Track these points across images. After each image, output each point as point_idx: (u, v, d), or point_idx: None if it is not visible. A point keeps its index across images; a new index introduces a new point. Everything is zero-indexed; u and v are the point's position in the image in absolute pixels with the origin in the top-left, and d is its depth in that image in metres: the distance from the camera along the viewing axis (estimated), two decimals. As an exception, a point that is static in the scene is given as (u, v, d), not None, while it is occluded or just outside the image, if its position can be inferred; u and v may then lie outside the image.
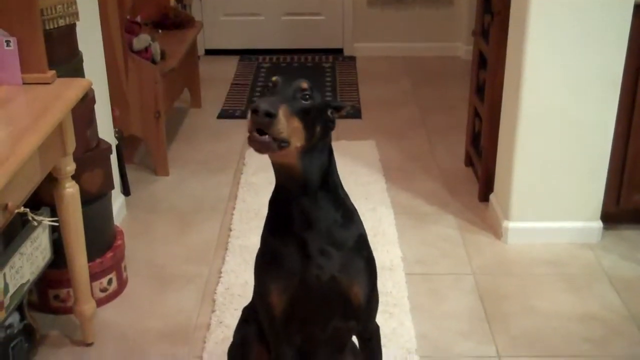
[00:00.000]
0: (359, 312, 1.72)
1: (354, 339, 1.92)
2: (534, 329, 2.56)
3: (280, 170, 1.60)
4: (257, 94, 4.93)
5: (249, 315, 1.99)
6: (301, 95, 1.51)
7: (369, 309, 1.76)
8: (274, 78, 1.55)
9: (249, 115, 1.46)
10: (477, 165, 3.53)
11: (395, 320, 2.56)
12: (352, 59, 5.73)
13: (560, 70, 2.82)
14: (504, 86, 3.10)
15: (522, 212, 3.05)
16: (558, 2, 2.72)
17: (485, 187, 3.38)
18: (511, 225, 3.07)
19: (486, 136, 3.34)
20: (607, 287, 2.80)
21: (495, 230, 3.18)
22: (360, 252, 1.70)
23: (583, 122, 2.89)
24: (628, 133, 2.96)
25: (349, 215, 1.69)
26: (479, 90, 3.53)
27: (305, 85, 1.52)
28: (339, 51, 5.84)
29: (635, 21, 2.75)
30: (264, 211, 1.74)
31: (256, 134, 1.44)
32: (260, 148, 1.46)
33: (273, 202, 1.69)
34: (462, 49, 5.64)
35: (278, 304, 1.66)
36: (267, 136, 1.44)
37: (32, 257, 2.12)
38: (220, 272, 2.87)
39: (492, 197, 3.30)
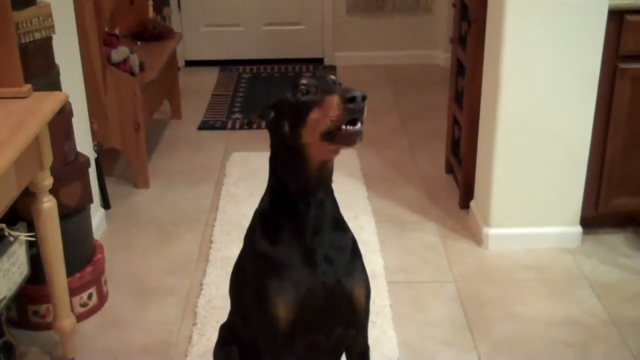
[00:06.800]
0: (360, 318, 1.70)
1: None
2: (516, 335, 2.57)
3: (316, 170, 1.54)
4: (238, 104, 4.93)
5: (226, 333, 1.97)
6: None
7: (367, 316, 1.75)
8: (303, 81, 1.51)
9: (337, 104, 1.41)
10: (458, 173, 3.55)
11: (378, 329, 2.56)
12: (333, 68, 5.73)
13: (537, 76, 2.84)
14: (482, 93, 3.12)
15: (502, 218, 3.06)
16: (533, 9, 2.74)
17: (466, 194, 3.40)
18: (491, 231, 3.08)
19: (465, 143, 3.36)
20: (588, 291, 2.82)
21: (476, 237, 3.19)
22: (357, 255, 1.71)
23: (561, 126, 2.91)
24: (605, 136, 2.98)
25: (341, 215, 1.69)
26: (458, 97, 3.55)
27: (334, 77, 1.52)
28: (320, 61, 5.85)
29: (610, 25, 2.78)
30: (246, 222, 1.71)
31: (350, 127, 1.40)
32: (356, 139, 1.43)
33: (270, 212, 1.64)
34: (442, 56, 5.66)
35: (284, 317, 1.61)
36: (360, 124, 1.42)
37: (8, 272, 2.11)
38: (202, 285, 2.85)
39: (472, 204, 3.31)
